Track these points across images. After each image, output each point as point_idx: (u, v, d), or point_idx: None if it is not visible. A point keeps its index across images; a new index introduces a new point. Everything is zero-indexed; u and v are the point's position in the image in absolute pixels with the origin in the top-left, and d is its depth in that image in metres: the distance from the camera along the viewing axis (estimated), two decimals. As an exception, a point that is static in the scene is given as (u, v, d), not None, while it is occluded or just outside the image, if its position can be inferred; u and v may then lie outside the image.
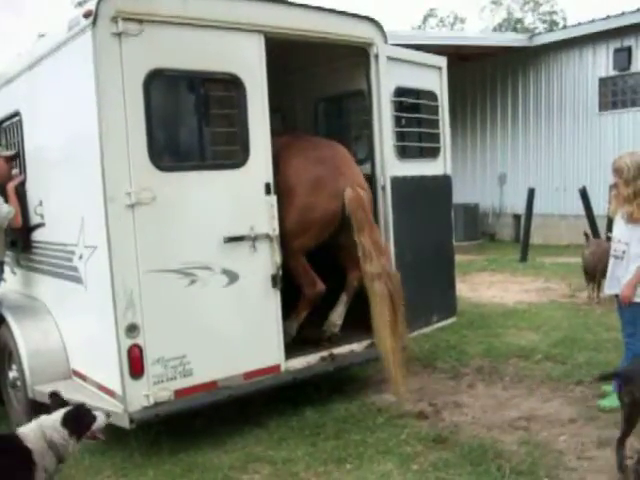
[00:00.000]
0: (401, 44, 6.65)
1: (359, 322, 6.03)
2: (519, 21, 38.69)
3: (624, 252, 5.14)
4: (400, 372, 5.36)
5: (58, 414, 3.50)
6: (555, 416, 5.26)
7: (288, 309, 5.57)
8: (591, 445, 4.70)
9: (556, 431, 4.97)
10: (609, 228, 12.50)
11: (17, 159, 6.04)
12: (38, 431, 3.43)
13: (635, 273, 5.03)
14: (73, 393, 4.97)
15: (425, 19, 41.66)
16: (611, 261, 5.35)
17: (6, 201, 5.68)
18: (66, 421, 3.43)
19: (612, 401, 5.26)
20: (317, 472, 4.51)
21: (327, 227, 5.60)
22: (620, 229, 5.23)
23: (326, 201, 5.49)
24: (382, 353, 5.39)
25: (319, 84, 6.79)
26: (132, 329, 4.44)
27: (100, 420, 3.56)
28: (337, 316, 5.99)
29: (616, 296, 5.35)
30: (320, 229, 5.60)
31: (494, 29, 37.62)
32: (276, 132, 5.54)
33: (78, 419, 3.46)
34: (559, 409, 5.40)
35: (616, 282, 5.26)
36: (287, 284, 5.35)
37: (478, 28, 39.24)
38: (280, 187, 5.26)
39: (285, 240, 5.33)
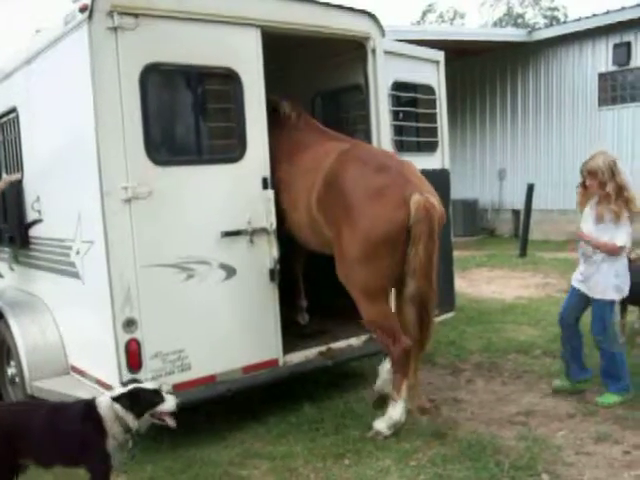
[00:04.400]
0: (400, 39, 6.63)
1: (358, 315, 6.02)
2: (520, 16, 38.60)
3: (594, 251, 5.23)
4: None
5: (119, 390, 3.65)
6: (554, 411, 5.26)
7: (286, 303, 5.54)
8: (589, 440, 4.71)
9: (555, 426, 4.97)
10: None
11: None
12: (109, 402, 3.60)
13: (601, 242, 5.13)
14: (71, 389, 4.99)
15: (424, 14, 41.55)
16: (581, 260, 5.43)
17: None
18: (119, 399, 3.56)
19: (610, 398, 5.27)
20: (316, 467, 4.51)
21: (399, 245, 4.68)
22: (589, 229, 5.28)
23: (392, 211, 4.65)
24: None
25: (316, 79, 6.77)
26: (130, 324, 4.44)
27: (167, 404, 3.65)
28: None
29: (573, 288, 5.50)
30: (392, 248, 4.69)
31: (494, 24, 37.54)
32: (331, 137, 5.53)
33: (134, 399, 3.58)
34: (558, 404, 5.40)
35: (583, 278, 5.37)
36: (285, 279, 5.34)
37: (478, 23, 39.23)
38: (335, 205, 4.83)
39: (353, 274, 4.84)
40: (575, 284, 5.47)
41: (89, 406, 3.64)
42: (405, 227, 4.62)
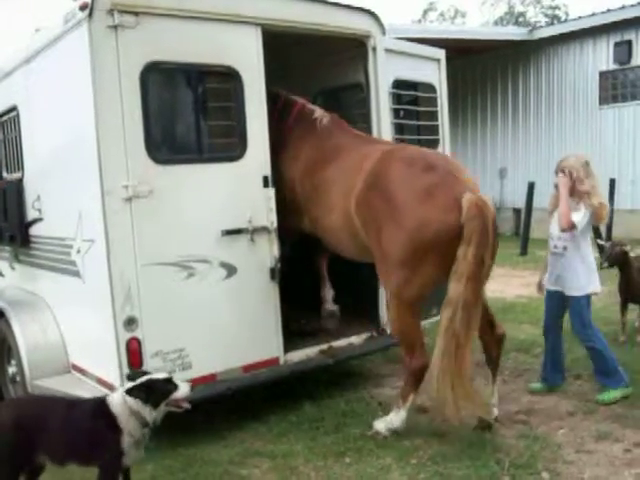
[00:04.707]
0: (400, 38, 6.63)
1: (359, 314, 6.03)
2: (521, 15, 38.58)
3: (565, 248, 5.32)
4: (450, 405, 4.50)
5: (131, 384, 3.63)
6: (554, 410, 5.26)
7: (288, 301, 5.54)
8: (590, 439, 4.71)
9: (555, 425, 4.97)
10: (610, 222, 12.49)
11: None
12: (122, 398, 3.59)
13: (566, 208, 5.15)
14: (72, 387, 4.99)
15: (425, 13, 41.55)
16: (550, 258, 5.51)
17: None
18: (133, 392, 3.55)
19: (610, 394, 5.28)
20: (316, 466, 4.51)
21: (447, 251, 4.39)
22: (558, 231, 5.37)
23: (441, 213, 4.40)
24: (433, 387, 4.57)
25: (317, 77, 6.76)
26: (130, 322, 4.44)
27: (181, 391, 3.65)
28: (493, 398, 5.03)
29: (549, 291, 5.55)
30: (439, 254, 4.42)
31: (495, 23, 37.53)
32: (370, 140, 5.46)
33: (149, 390, 3.57)
34: (558, 403, 5.40)
35: (555, 278, 5.42)
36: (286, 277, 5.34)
37: (479, 22, 39.21)
38: (378, 205, 4.64)
39: (393, 278, 4.63)
40: (549, 287, 5.52)
41: (101, 404, 3.64)
42: (457, 231, 4.34)
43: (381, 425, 4.87)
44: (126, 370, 4.44)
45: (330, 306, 6.36)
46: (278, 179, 5.38)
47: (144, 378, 3.63)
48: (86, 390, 4.76)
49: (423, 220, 4.41)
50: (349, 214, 4.96)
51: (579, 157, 5.39)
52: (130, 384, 3.63)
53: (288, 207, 5.44)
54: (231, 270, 4.90)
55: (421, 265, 4.48)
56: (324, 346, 5.60)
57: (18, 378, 5.48)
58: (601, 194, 5.28)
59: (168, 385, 3.64)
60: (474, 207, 4.34)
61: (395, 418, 4.83)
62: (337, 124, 5.72)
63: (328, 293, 6.41)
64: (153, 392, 3.57)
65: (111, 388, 4.59)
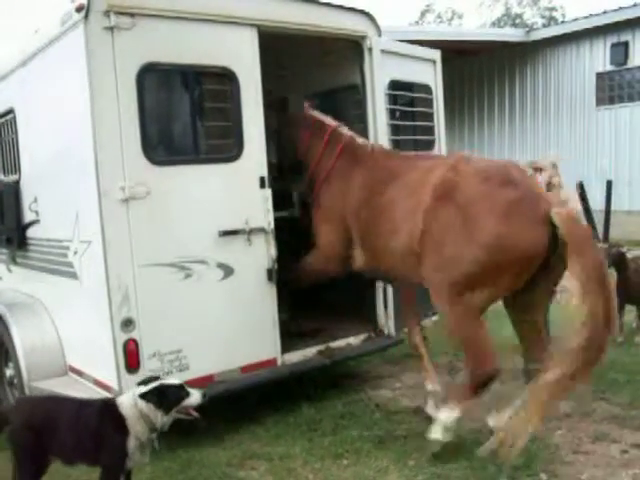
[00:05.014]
0: (397, 40, 6.63)
1: (356, 314, 6.01)
2: (518, 16, 38.64)
3: None
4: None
5: (146, 388, 3.62)
6: (551, 410, 5.26)
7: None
8: (587, 440, 4.72)
9: (553, 426, 4.96)
10: (607, 224, 12.52)
11: None
12: (132, 400, 3.59)
13: None
14: (69, 389, 4.98)
15: (422, 15, 41.58)
16: None
17: None
18: (146, 396, 3.55)
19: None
20: (314, 468, 4.50)
21: (525, 270, 4.24)
22: None
23: (527, 230, 4.12)
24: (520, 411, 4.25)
25: (313, 78, 6.76)
26: (128, 323, 4.44)
27: (193, 398, 3.65)
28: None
29: None
30: (516, 273, 4.24)
31: (492, 24, 37.58)
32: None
33: (162, 395, 3.57)
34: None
35: None
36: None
37: (476, 24, 39.28)
38: (453, 220, 4.30)
39: (459, 289, 4.32)
40: None
41: (110, 405, 3.64)
42: (544, 247, 4.14)
43: (437, 434, 4.50)
44: (123, 371, 4.44)
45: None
46: (317, 224, 5.42)
47: (157, 383, 3.63)
48: (83, 392, 4.75)
49: (508, 237, 4.12)
50: (417, 226, 4.54)
51: (549, 158, 5.81)
52: (143, 387, 3.63)
53: (326, 252, 5.39)
54: (228, 271, 4.90)
55: (494, 280, 4.27)
56: (322, 347, 5.60)
57: (16, 380, 5.47)
58: (566, 193, 5.70)
59: (181, 391, 3.63)
60: (569, 219, 4.14)
61: (449, 415, 4.48)
62: (383, 151, 5.47)
63: (435, 385, 5.41)
64: (166, 397, 3.57)
65: (108, 390, 4.60)
